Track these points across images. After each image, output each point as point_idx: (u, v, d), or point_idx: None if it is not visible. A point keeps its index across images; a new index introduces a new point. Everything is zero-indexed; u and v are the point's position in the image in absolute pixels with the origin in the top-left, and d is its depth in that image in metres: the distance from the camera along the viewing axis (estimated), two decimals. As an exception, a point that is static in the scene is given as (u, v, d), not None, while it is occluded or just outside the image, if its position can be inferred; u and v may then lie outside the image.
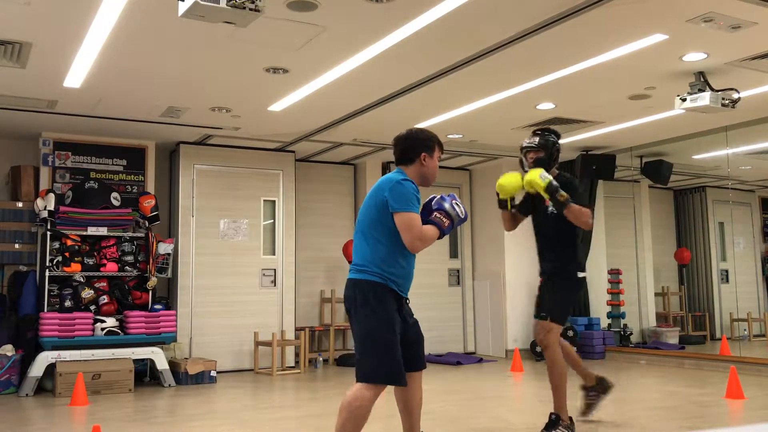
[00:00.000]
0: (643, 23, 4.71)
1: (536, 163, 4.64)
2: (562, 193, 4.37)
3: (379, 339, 3.34)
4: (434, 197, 3.72)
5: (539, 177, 4.41)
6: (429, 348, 9.27)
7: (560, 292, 4.66)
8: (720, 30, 4.80)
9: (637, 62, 5.46)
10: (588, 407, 5.01)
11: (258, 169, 8.51)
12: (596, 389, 4.99)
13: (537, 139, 4.70)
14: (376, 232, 3.48)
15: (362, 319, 3.39)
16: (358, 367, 3.36)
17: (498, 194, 4.72)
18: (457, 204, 3.68)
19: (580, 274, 4.69)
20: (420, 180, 3.64)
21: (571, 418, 4.59)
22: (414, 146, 3.66)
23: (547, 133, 4.74)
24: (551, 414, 4.55)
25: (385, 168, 9.54)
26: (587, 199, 4.26)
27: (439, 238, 3.58)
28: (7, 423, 5.29)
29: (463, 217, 3.69)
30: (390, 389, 3.49)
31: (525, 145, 4.76)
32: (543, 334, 4.58)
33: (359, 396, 3.26)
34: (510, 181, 4.64)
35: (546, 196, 4.43)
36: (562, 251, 4.68)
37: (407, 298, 3.57)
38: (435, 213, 3.60)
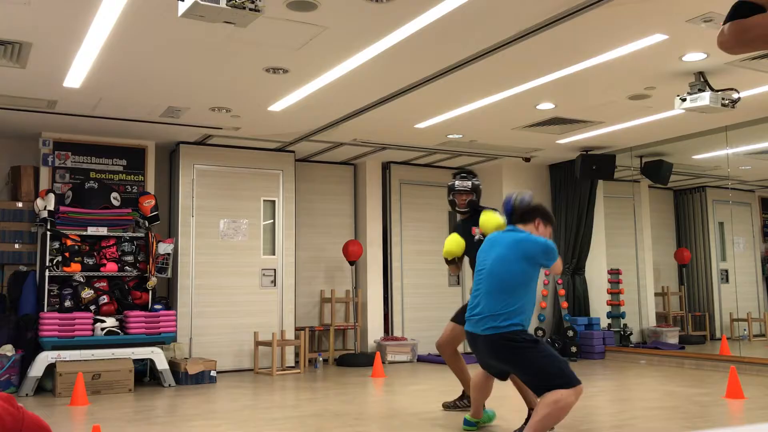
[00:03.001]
0: (643, 23, 4.71)
1: (469, 205, 5.49)
2: None
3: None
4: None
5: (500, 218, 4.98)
6: (429, 348, 9.29)
7: None
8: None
9: (637, 62, 5.46)
10: (455, 407, 5.62)
11: (258, 169, 8.51)
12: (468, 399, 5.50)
13: (469, 183, 5.51)
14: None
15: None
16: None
17: (446, 258, 5.47)
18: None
19: None
20: None
21: (463, 391, 5.54)
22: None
23: (472, 176, 5.58)
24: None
25: (385, 168, 9.55)
26: None
27: None
28: (7, 423, 5.28)
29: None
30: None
31: (459, 188, 5.51)
32: None
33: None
34: (458, 245, 5.35)
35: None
36: None
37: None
38: None
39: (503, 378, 4.43)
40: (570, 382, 3.89)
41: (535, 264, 4.17)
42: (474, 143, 8.39)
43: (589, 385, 6.91)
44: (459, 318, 5.37)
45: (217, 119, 7.11)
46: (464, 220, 5.61)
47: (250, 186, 8.45)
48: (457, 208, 5.58)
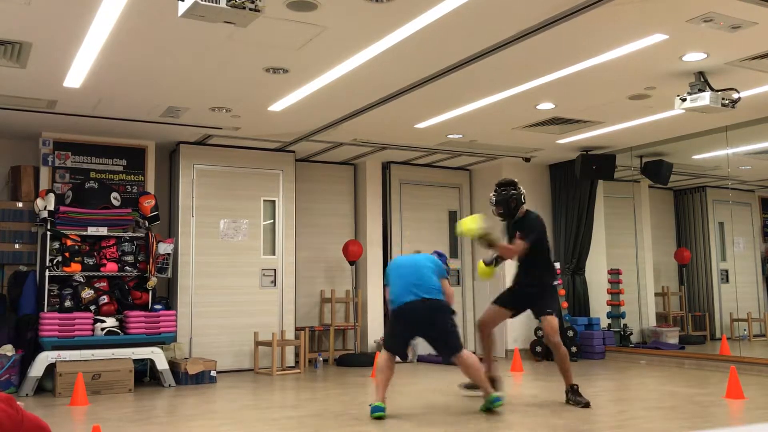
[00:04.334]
0: (643, 23, 4.71)
1: (502, 214, 5.85)
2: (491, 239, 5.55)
3: None
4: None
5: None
6: (429, 348, 9.28)
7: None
8: (720, 30, 4.80)
9: (637, 62, 5.46)
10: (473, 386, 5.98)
11: (258, 169, 8.51)
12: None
13: (494, 197, 5.82)
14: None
15: None
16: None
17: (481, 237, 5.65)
18: None
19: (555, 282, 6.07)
20: None
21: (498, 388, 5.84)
22: None
23: (501, 188, 5.82)
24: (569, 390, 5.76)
25: (385, 168, 9.55)
26: (539, 232, 5.82)
27: None
28: (7, 423, 5.29)
29: None
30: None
31: (491, 201, 5.88)
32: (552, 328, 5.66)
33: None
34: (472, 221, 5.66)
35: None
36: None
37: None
38: None
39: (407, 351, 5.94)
40: None
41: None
42: (474, 143, 8.39)
43: (589, 385, 6.91)
44: (500, 300, 6.00)
45: (217, 119, 7.11)
46: (508, 223, 5.98)
47: (250, 186, 8.45)
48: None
